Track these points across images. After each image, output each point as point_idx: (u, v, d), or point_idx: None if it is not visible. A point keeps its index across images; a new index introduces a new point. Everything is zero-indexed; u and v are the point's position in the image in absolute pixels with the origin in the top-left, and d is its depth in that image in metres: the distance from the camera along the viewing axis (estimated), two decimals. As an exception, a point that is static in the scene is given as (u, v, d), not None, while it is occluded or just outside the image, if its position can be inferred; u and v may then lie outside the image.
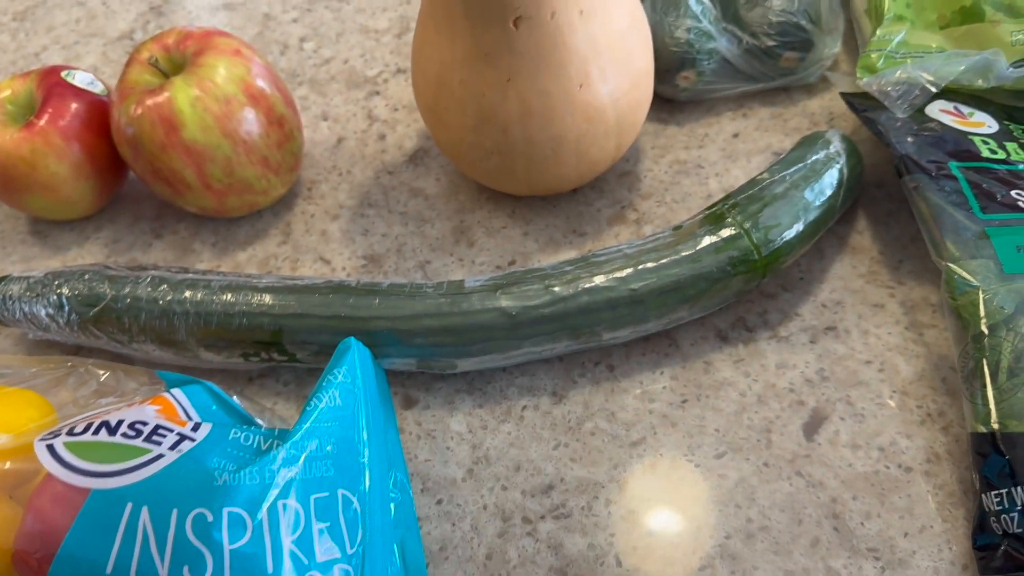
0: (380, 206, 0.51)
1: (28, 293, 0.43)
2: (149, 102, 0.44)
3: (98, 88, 0.50)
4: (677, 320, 0.42)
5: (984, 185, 0.42)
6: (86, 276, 0.44)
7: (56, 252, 0.51)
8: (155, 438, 0.33)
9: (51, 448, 0.33)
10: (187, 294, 0.42)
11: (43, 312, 0.43)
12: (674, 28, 0.51)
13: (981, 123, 0.46)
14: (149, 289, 0.42)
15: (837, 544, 0.37)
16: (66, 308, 0.43)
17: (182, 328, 0.42)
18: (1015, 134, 0.46)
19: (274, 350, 0.42)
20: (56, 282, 0.44)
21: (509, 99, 0.42)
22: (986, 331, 0.37)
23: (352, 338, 0.37)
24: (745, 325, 0.44)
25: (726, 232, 0.41)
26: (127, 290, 0.43)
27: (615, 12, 0.43)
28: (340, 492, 0.34)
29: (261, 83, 0.46)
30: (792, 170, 0.44)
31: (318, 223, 0.50)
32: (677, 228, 0.43)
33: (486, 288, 0.41)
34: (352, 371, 0.36)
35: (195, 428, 0.34)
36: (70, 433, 0.33)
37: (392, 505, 0.38)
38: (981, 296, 0.38)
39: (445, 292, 0.41)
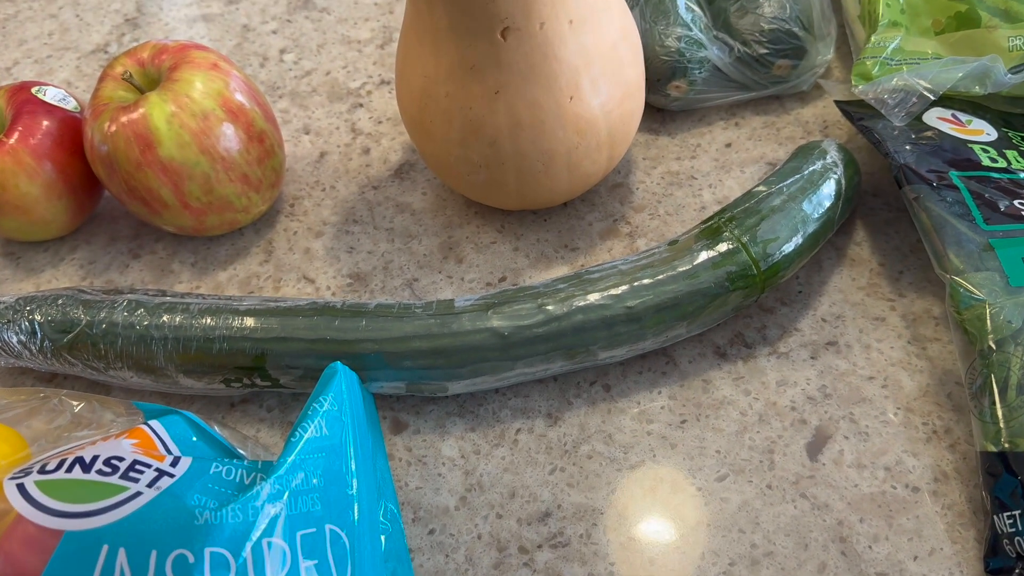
0: (365, 222, 0.49)
1: None
2: (123, 119, 0.43)
3: (70, 104, 0.48)
4: (675, 337, 0.41)
5: (986, 195, 0.41)
6: (59, 301, 0.42)
7: (29, 274, 0.49)
8: (132, 474, 0.32)
9: (21, 487, 0.31)
10: (165, 318, 0.40)
11: (15, 339, 0.41)
12: (664, 37, 0.49)
13: (980, 131, 0.45)
14: (125, 314, 0.41)
15: (845, 569, 0.35)
16: (39, 335, 0.41)
17: (160, 354, 0.40)
18: (1015, 141, 0.45)
19: (257, 375, 0.40)
20: (28, 307, 0.42)
21: (498, 112, 0.41)
22: (994, 346, 0.36)
23: (338, 363, 0.36)
24: (744, 341, 0.43)
25: (723, 247, 0.40)
26: (103, 315, 0.41)
27: (605, 22, 0.41)
28: (328, 527, 0.32)
29: (240, 97, 0.45)
30: (789, 181, 0.42)
31: (301, 241, 0.49)
32: (673, 243, 0.42)
33: (477, 308, 0.40)
34: (339, 398, 0.34)
35: (174, 463, 0.32)
36: (42, 471, 0.32)
37: (383, 537, 0.36)
38: (988, 310, 0.37)
39: (435, 312, 0.40)
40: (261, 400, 0.43)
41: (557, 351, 0.40)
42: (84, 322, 0.41)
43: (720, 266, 0.40)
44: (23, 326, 0.41)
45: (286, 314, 0.40)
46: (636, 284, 0.40)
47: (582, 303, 0.39)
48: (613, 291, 0.40)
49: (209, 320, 0.40)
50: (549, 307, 0.39)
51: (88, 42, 0.62)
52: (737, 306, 0.41)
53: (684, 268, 0.40)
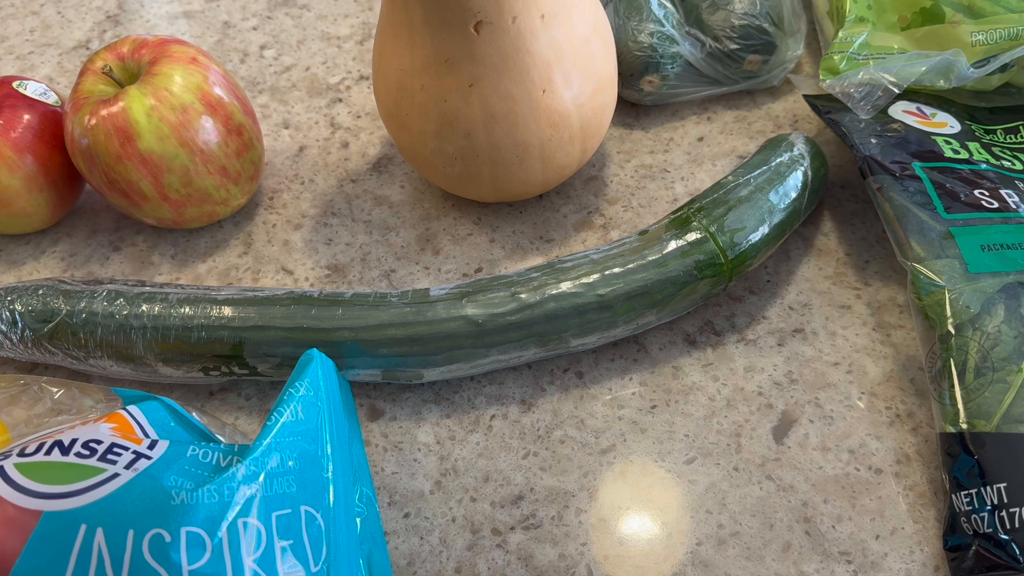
0: (344, 215, 0.50)
1: None
2: (103, 112, 0.43)
3: (51, 99, 0.49)
4: (645, 325, 0.42)
5: (948, 185, 0.42)
6: (40, 291, 0.42)
7: (10, 267, 0.49)
8: (110, 457, 0.32)
9: (1, 470, 0.32)
10: (144, 308, 0.41)
11: (-5, 329, 0.42)
12: (637, 32, 0.50)
13: (944, 123, 0.46)
14: (105, 303, 0.41)
15: (809, 548, 0.36)
16: (19, 324, 0.42)
17: (140, 343, 0.41)
18: (977, 134, 0.46)
19: (235, 363, 0.41)
20: (8, 298, 0.42)
21: (472, 104, 0.42)
22: (953, 331, 0.37)
23: (314, 350, 0.36)
24: (713, 329, 0.44)
25: (692, 236, 0.41)
26: (82, 305, 0.42)
27: (577, 17, 0.42)
28: (303, 508, 0.33)
29: (219, 91, 0.45)
30: (756, 173, 0.43)
31: (280, 233, 0.50)
32: (643, 233, 0.42)
33: (452, 296, 0.41)
34: (315, 384, 0.35)
35: (151, 446, 0.33)
36: (21, 454, 0.32)
37: (358, 520, 0.37)
38: (947, 296, 0.38)
39: (410, 301, 0.41)
40: (240, 389, 0.43)
41: (530, 338, 0.40)
42: (64, 312, 0.41)
43: (689, 255, 0.41)
44: (3, 316, 0.42)
45: (264, 303, 0.41)
46: (607, 273, 0.41)
47: (554, 291, 0.40)
48: (585, 279, 0.40)
49: (188, 309, 0.41)
50: (522, 295, 0.40)
51: (70, 39, 0.63)
52: (706, 294, 0.42)
53: (654, 257, 0.41)
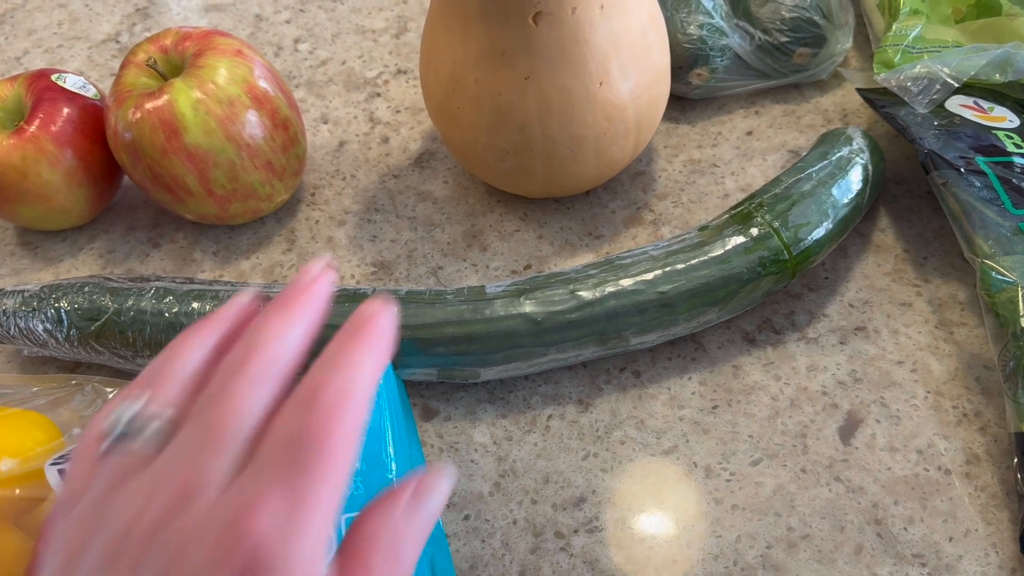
0: (387, 211, 0.49)
1: (23, 307, 0.41)
2: (148, 106, 0.42)
3: (90, 92, 0.48)
4: (706, 323, 0.41)
5: (1014, 180, 0.41)
6: (86, 289, 0.41)
7: (48, 264, 0.48)
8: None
9: (63, 473, 0.31)
10: (195, 305, 0.40)
11: (40, 327, 0.41)
12: (686, 24, 0.49)
13: (1003, 117, 0.45)
14: (154, 301, 0.40)
15: (882, 551, 0.36)
16: (65, 323, 0.41)
17: None
18: (1037, 128, 0.45)
19: None
20: (54, 295, 0.41)
21: (528, 98, 0.41)
22: (1026, 328, 0.37)
23: None
24: (772, 327, 0.43)
25: (755, 232, 0.40)
26: (130, 303, 0.41)
27: (634, 7, 0.41)
28: (343, 517, 0.32)
29: (264, 84, 0.44)
30: (817, 167, 0.43)
31: (324, 230, 0.49)
32: (703, 228, 0.42)
33: (509, 294, 0.40)
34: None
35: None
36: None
37: None
38: (1020, 292, 0.37)
39: (466, 299, 0.40)
40: (290, 388, 0.42)
41: (590, 337, 0.40)
42: (112, 310, 0.40)
43: (752, 251, 0.40)
44: (49, 314, 0.41)
45: None
46: (668, 269, 0.40)
47: (614, 289, 0.39)
48: (645, 276, 0.40)
49: None
50: (581, 293, 0.39)
51: (99, 32, 0.62)
52: (768, 291, 0.41)
53: (716, 253, 0.40)
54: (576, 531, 0.37)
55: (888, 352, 0.41)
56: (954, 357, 0.41)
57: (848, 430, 0.39)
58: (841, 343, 0.42)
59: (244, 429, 0.21)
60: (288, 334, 0.23)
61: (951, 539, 0.36)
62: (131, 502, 0.21)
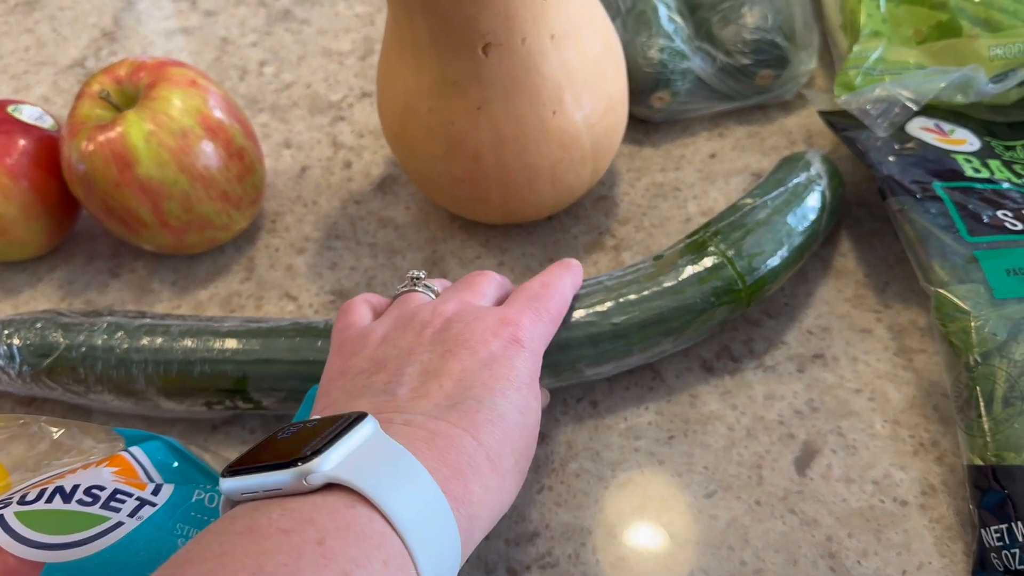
0: (348, 238, 0.49)
1: None
2: (101, 138, 0.42)
3: (47, 123, 0.47)
4: (661, 353, 0.40)
5: (970, 206, 0.41)
6: (38, 324, 0.41)
7: (7, 295, 0.48)
8: (113, 504, 0.31)
9: (1, 519, 0.31)
10: (145, 341, 0.40)
11: (-7, 363, 0.41)
12: (646, 48, 0.49)
13: (963, 140, 0.45)
14: (105, 336, 0.40)
15: (835, 585, 0.35)
16: (17, 359, 0.41)
17: (141, 377, 0.40)
18: (997, 151, 0.45)
19: (239, 398, 0.40)
20: (6, 331, 0.41)
21: (480, 127, 0.41)
22: (979, 359, 0.36)
23: (315, 386, 0.35)
24: (730, 355, 0.42)
25: (709, 261, 0.40)
26: (82, 338, 0.40)
27: (587, 36, 0.41)
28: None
29: (219, 114, 0.44)
30: (773, 195, 0.42)
31: (283, 257, 0.48)
32: (658, 258, 0.41)
33: None
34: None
35: (156, 491, 0.32)
36: (21, 502, 0.31)
37: None
38: (973, 323, 0.37)
39: None
40: (244, 422, 0.42)
41: (543, 368, 0.39)
42: (63, 346, 0.40)
43: (706, 281, 0.40)
44: (1, 351, 0.41)
45: (268, 335, 0.40)
46: (622, 300, 0.39)
47: (568, 320, 0.39)
48: (599, 308, 0.39)
49: (190, 342, 0.40)
50: (534, 324, 0.39)
51: (65, 56, 0.62)
52: (723, 320, 0.41)
53: (670, 284, 0.40)
54: (528, 567, 0.37)
55: (846, 380, 0.41)
56: (912, 385, 0.41)
57: (804, 461, 0.39)
58: (799, 371, 0.42)
59: (492, 292, 0.37)
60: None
61: (904, 572, 0.36)
62: (431, 306, 0.35)
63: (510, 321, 0.33)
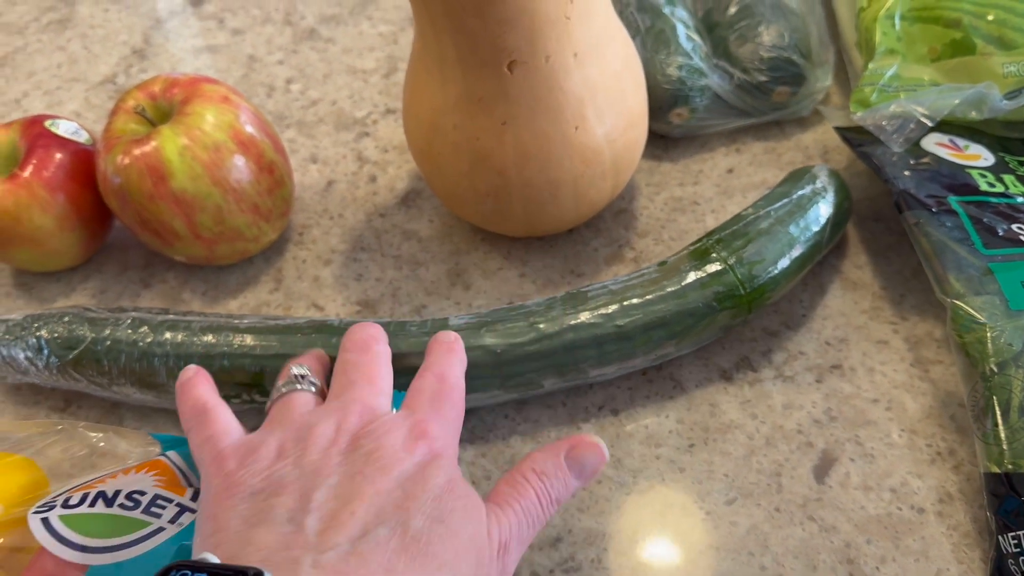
0: (373, 250, 0.50)
1: (6, 336, 0.42)
2: (136, 152, 0.43)
3: (83, 137, 0.49)
4: (664, 356, 0.41)
5: (985, 219, 0.42)
6: (65, 318, 0.42)
7: (42, 304, 0.49)
8: (154, 509, 0.32)
9: (46, 522, 0.32)
10: (167, 336, 0.41)
11: (22, 355, 0.42)
12: (665, 66, 0.50)
13: (977, 155, 0.46)
14: (129, 331, 0.41)
15: (854, 591, 0.36)
16: (45, 351, 0.42)
17: (163, 370, 0.41)
18: (1011, 166, 0.46)
19: (256, 391, 0.41)
20: (35, 324, 0.42)
21: (505, 143, 0.42)
22: (995, 369, 0.37)
23: None
24: (750, 365, 0.43)
25: (711, 268, 0.41)
26: (107, 332, 0.42)
27: (609, 54, 0.42)
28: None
29: (250, 129, 0.46)
30: (777, 205, 0.43)
31: (310, 269, 0.50)
32: (662, 264, 0.42)
33: (471, 326, 0.41)
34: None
35: (194, 496, 0.33)
36: (65, 505, 0.32)
37: None
38: (988, 334, 0.38)
39: (429, 330, 0.41)
40: (273, 428, 0.43)
41: (548, 368, 0.40)
42: (89, 339, 0.41)
43: (708, 286, 0.41)
44: (30, 342, 0.42)
45: (284, 332, 0.41)
46: (626, 303, 0.40)
47: (573, 322, 0.40)
48: (603, 310, 0.40)
49: (210, 338, 0.41)
50: (541, 325, 0.40)
51: (96, 73, 0.63)
52: (725, 326, 0.41)
53: (673, 288, 0.41)
54: (552, 571, 0.38)
55: (864, 390, 0.42)
56: (929, 395, 0.41)
57: (822, 469, 0.40)
58: (817, 381, 0.42)
59: (386, 377, 0.36)
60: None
61: (923, 579, 0.36)
62: (331, 416, 0.32)
63: (421, 433, 0.32)
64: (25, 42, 0.66)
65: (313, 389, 0.35)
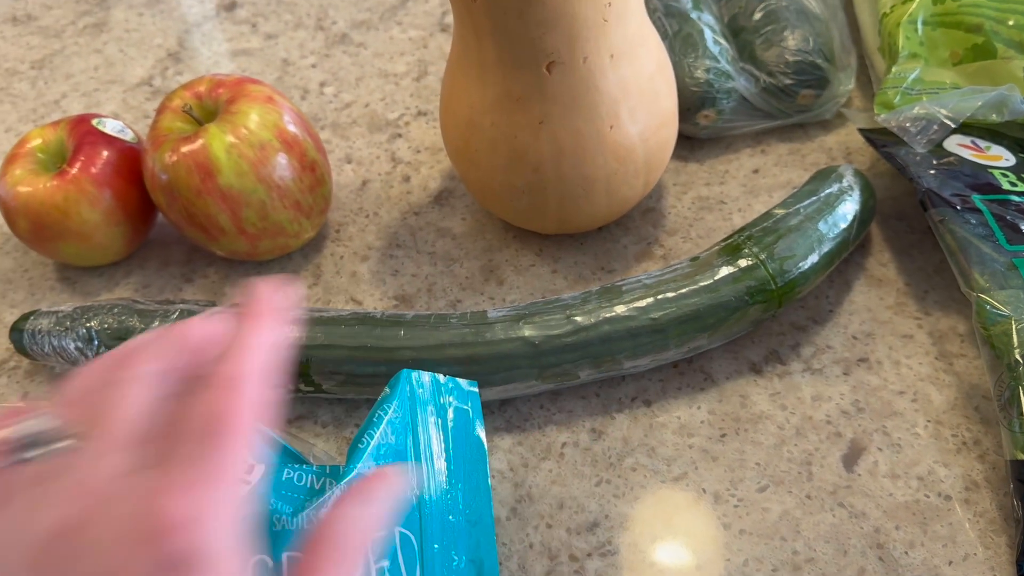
0: (408, 246, 0.51)
1: (57, 327, 0.44)
2: (184, 149, 0.45)
3: (128, 136, 0.50)
4: (696, 349, 0.43)
5: (1008, 217, 0.43)
6: (115, 310, 0.44)
7: (85, 299, 0.51)
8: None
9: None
10: (219, 329, 0.42)
11: (72, 345, 0.43)
12: (694, 69, 0.52)
13: (999, 156, 0.47)
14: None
15: (883, 574, 0.37)
16: (95, 341, 0.43)
17: None
18: (1032, 166, 0.47)
19: (301, 381, 0.42)
20: (85, 316, 0.44)
21: (541, 140, 0.43)
22: (1020, 359, 0.38)
23: (405, 370, 0.37)
24: (778, 358, 0.44)
25: (743, 263, 0.42)
26: (156, 324, 0.43)
27: (643, 55, 0.44)
28: (397, 530, 0.34)
29: (293, 129, 0.47)
30: (806, 203, 0.45)
31: (348, 265, 0.51)
32: (694, 259, 0.44)
33: (509, 318, 0.42)
34: (403, 405, 0.36)
35: (248, 470, 0.34)
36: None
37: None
38: (1014, 326, 0.39)
39: (469, 322, 0.42)
40: (316, 416, 0.44)
41: (584, 359, 0.41)
42: (139, 329, 0.43)
43: (740, 281, 0.42)
44: (80, 333, 0.43)
45: (329, 323, 0.42)
46: (660, 297, 0.42)
47: (609, 314, 0.41)
48: (638, 303, 0.42)
49: None
50: (577, 318, 0.41)
51: (133, 76, 0.65)
52: (756, 319, 0.43)
53: (706, 282, 0.42)
54: (590, 555, 0.39)
55: (890, 382, 0.43)
56: (954, 387, 0.43)
57: (851, 458, 0.41)
58: (845, 374, 0.44)
59: (135, 427, 0.23)
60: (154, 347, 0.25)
61: (951, 563, 0.37)
62: (46, 509, 0.21)
63: (164, 528, 0.20)
64: (62, 45, 0.68)
65: (53, 449, 0.23)
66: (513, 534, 0.40)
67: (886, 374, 0.43)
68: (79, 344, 0.43)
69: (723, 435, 0.42)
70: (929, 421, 0.42)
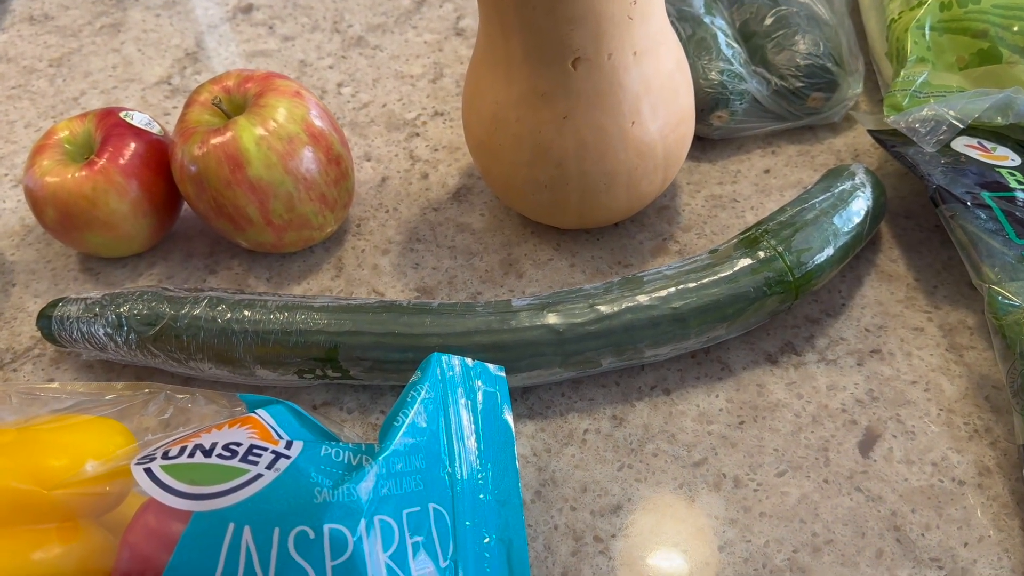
0: (428, 241, 0.52)
1: (86, 314, 0.44)
2: (214, 141, 0.46)
3: (155, 128, 0.51)
4: (715, 338, 0.44)
5: (1016, 213, 0.44)
6: (145, 296, 0.45)
7: (109, 289, 0.51)
8: (251, 458, 0.34)
9: (149, 471, 0.33)
10: (245, 313, 0.43)
11: (101, 332, 0.44)
12: (708, 71, 0.53)
13: (1005, 157, 0.49)
14: (207, 309, 0.44)
15: (901, 555, 0.38)
16: (125, 327, 0.44)
17: (240, 346, 0.43)
18: (1037, 167, 0.49)
19: (329, 367, 0.43)
20: (115, 303, 0.45)
21: (565, 135, 0.44)
22: (1031, 348, 0.39)
23: (436, 353, 0.38)
24: (793, 349, 0.46)
25: (761, 254, 0.44)
26: (186, 310, 0.44)
27: (663, 53, 0.45)
28: (431, 506, 0.34)
29: (320, 123, 0.48)
30: (821, 198, 0.46)
31: (369, 258, 0.52)
32: (713, 251, 0.45)
33: (533, 307, 0.43)
34: (435, 386, 0.37)
35: (288, 446, 0.35)
36: (165, 457, 0.34)
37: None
38: (1025, 315, 0.40)
39: (494, 311, 0.43)
40: (341, 402, 0.45)
41: (607, 348, 0.42)
42: (168, 315, 0.44)
43: (759, 272, 0.43)
44: (109, 319, 0.44)
45: (356, 311, 0.43)
46: (681, 287, 0.43)
47: (631, 304, 0.42)
48: (660, 293, 0.43)
49: (286, 315, 0.43)
50: (600, 307, 0.42)
51: (151, 74, 0.66)
52: (773, 310, 0.44)
53: (726, 273, 0.43)
54: (614, 536, 0.40)
55: (902, 373, 0.44)
56: (964, 378, 0.44)
57: (867, 444, 0.42)
58: (858, 364, 0.45)
59: None
60: None
61: (966, 544, 0.38)
62: None
63: None
64: (80, 44, 0.69)
65: None
66: (538, 516, 0.40)
67: (898, 365, 0.45)
68: (108, 330, 0.44)
69: (741, 422, 0.43)
70: (941, 410, 0.43)
